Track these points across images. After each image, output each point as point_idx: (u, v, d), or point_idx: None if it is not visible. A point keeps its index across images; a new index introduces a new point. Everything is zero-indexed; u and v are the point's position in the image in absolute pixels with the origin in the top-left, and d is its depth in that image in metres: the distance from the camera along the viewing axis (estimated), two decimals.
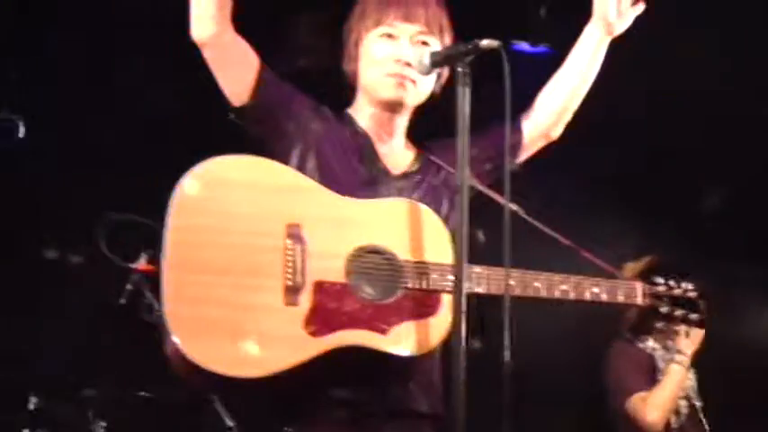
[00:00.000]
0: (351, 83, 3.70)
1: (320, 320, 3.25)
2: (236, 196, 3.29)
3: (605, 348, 5.92)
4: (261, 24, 6.40)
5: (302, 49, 6.36)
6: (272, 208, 3.30)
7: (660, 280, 3.58)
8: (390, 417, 3.43)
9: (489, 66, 3.20)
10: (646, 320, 5.41)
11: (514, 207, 3.51)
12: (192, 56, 3.51)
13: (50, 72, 6.52)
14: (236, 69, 3.46)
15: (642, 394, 5.64)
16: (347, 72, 3.69)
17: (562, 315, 4.87)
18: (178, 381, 3.26)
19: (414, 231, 3.40)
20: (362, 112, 3.69)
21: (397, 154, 3.67)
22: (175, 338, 3.14)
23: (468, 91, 3.14)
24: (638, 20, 3.83)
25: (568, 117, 3.84)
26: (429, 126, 3.73)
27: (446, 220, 3.50)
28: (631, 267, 5.57)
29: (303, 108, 3.58)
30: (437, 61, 3.30)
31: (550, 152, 3.94)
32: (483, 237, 7.39)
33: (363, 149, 3.61)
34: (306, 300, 3.25)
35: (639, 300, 3.54)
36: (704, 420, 5.79)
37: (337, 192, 3.42)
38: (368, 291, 3.34)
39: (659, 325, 5.48)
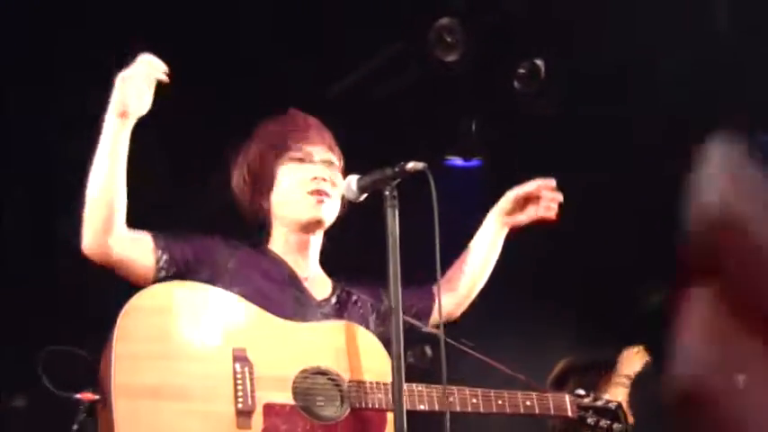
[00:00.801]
0: (263, 219, 3.78)
1: None
2: (180, 322, 3.31)
3: None
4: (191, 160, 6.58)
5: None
6: (216, 332, 3.33)
7: (582, 392, 3.76)
8: None
9: (419, 182, 3.25)
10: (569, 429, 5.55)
11: (431, 330, 3.79)
12: None
13: None
14: (134, 265, 3.49)
15: None
16: (259, 208, 3.77)
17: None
18: None
19: (354, 352, 3.47)
20: (278, 243, 3.76)
21: (316, 281, 3.75)
22: None
23: (396, 213, 3.19)
24: None
25: (470, 300, 4.04)
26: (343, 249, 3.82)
27: None
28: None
29: (213, 253, 3.60)
30: (365, 186, 3.35)
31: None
32: (430, 351, 7.43)
33: (287, 276, 3.68)
34: (257, 422, 3.28)
35: (569, 412, 3.72)
36: None
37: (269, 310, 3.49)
38: (316, 412, 3.37)
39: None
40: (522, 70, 6.80)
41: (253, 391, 3.29)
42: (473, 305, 4.16)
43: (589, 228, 7.47)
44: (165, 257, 3.50)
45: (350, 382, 3.42)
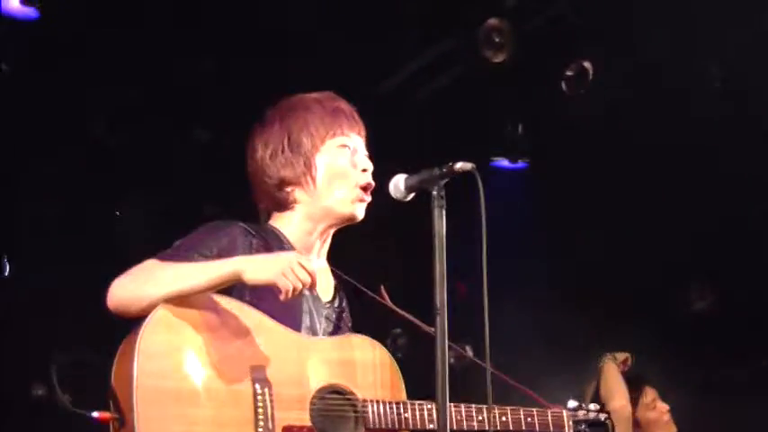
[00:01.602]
0: (281, 197, 3.51)
1: None
2: (199, 337, 3.21)
3: None
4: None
5: None
6: (235, 350, 3.25)
7: (575, 404, 3.79)
8: None
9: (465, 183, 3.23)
10: None
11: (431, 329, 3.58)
12: None
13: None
14: None
15: None
16: (283, 184, 3.49)
17: None
18: None
19: (367, 368, 3.42)
20: (295, 227, 3.52)
21: (322, 277, 3.52)
22: None
23: (443, 213, 3.14)
24: None
25: None
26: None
27: None
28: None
29: (234, 249, 3.33)
30: (412, 185, 3.25)
31: None
32: (471, 351, 7.41)
33: None
34: None
35: (566, 428, 3.72)
36: None
37: (283, 320, 3.35)
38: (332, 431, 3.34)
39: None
40: (569, 72, 6.77)
41: (273, 415, 3.22)
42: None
43: (636, 228, 7.45)
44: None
45: (364, 401, 3.36)
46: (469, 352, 7.26)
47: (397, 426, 3.38)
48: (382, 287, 3.69)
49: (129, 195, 6.75)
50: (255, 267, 3.18)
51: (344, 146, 3.52)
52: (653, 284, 7.50)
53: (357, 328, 3.61)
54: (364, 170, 3.52)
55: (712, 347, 7.38)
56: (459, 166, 3.15)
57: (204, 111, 6.71)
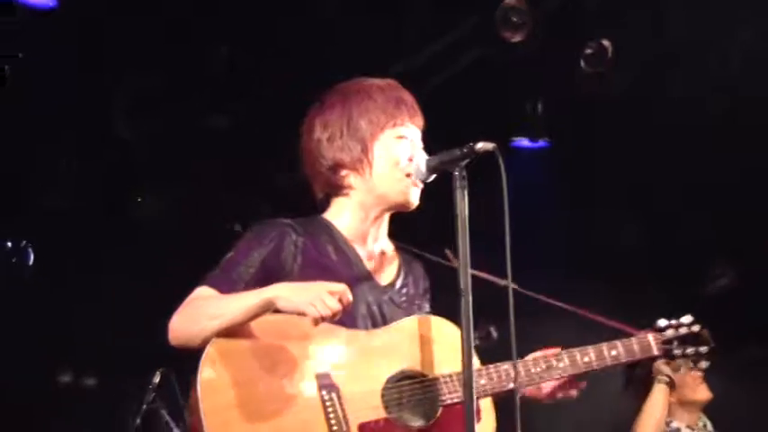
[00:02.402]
0: (335, 182, 3.51)
1: None
2: (260, 361, 3.24)
3: None
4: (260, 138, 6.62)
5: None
6: (296, 362, 3.27)
7: (664, 323, 3.64)
8: None
9: (486, 163, 3.22)
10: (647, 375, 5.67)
11: (513, 285, 3.51)
12: None
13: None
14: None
15: None
16: (337, 168, 3.49)
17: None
18: None
19: (434, 346, 3.39)
20: (348, 216, 3.53)
21: (383, 259, 3.56)
22: None
23: (465, 194, 3.13)
24: None
25: None
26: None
27: None
28: None
29: (279, 257, 3.37)
30: (434, 166, 3.28)
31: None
32: (495, 332, 7.44)
33: (352, 264, 3.49)
34: None
35: (655, 351, 3.59)
36: None
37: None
38: (410, 418, 3.33)
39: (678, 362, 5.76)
40: (589, 51, 6.74)
41: (345, 415, 3.23)
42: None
43: (657, 205, 7.44)
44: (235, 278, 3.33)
45: (435, 379, 3.34)
46: (494, 333, 7.32)
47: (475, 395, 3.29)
48: (447, 251, 3.64)
49: (149, 183, 6.78)
50: (287, 296, 3.21)
51: (403, 137, 3.50)
52: (674, 262, 7.48)
53: (445, 301, 3.54)
54: (411, 160, 3.47)
55: (734, 326, 7.36)
56: (480, 146, 3.15)
57: (221, 98, 6.73)
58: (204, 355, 3.20)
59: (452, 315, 3.24)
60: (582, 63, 6.73)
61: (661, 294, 7.22)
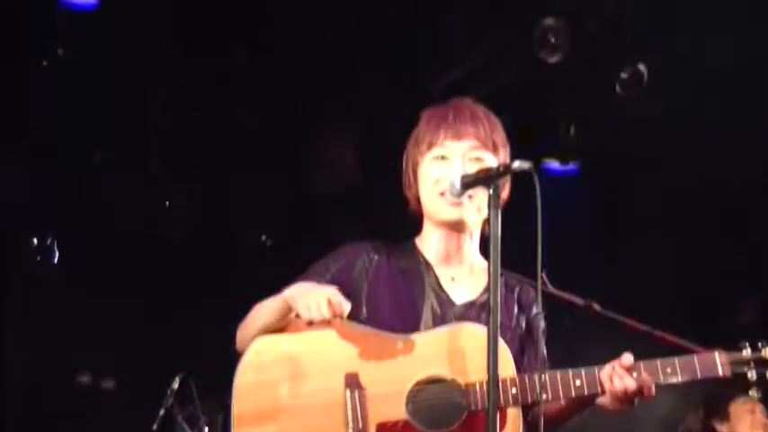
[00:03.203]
0: (415, 209, 3.62)
1: None
2: (288, 366, 3.40)
3: None
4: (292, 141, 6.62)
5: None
6: (329, 360, 3.39)
7: (745, 345, 3.39)
8: None
9: (520, 183, 3.20)
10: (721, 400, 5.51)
11: (593, 304, 3.75)
12: None
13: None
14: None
15: None
16: (409, 198, 3.61)
17: None
18: None
19: (468, 354, 3.38)
20: (429, 238, 3.59)
21: (468, 279, 3.57)
22: None
23: (499, 213, 3.11)
24: None
25: None
26: None
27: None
28: None
29: (350, 273, 3.52)
30: (468, 183, 3.27)
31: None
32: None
33: (425, 282, 3.54)
34: None
35: (720, 371, 3.38)
36: None
37: (400, 329, 3.42)
38: (431, 422, 3.34)
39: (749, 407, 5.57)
40: (624, 75, 6.71)
41: (365, 415, 3.31)
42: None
43: (679, 234, 7.38)
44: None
45: (466, 385, 3.34)
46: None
47: (503, 403, 3.30)
48: (544, 274, 3.53)
49: (183, 178, 6.80)
50: (294, 296, 3.38)
51: (441, 157, 3.52)
52: (706, 292, 7.42)
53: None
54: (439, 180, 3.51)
55: None
56: (516, 164, 3.15)
57: (253, 95, 6.73)
58: (240, 363, 3.41)
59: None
60: (617, 87, 6.70)
61: (688, 323, 7.15)
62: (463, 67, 6.81)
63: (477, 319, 3.48)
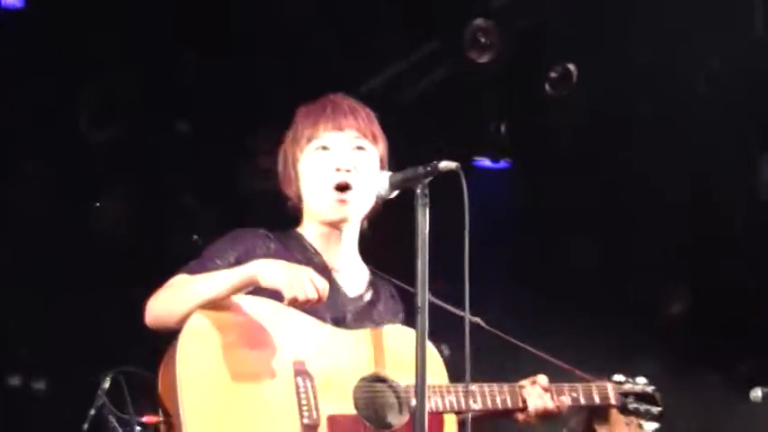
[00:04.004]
0: (294, 204, 3.61)
1: None
2: (239, 339, 3.29)
3: None
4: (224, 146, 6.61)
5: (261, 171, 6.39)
6: (275, 347, 3.31)
7: (622, 378, 3.78)
8: None
9: (448, 182, 3.23)
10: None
11: (476, 319, 3.66)
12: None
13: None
14: None
15: None
16: (289, 195, 3.61)
17: None
18: None
19: (407, 356, 3.37)
20: (310, 231, 3.61)
21: (350, 273, 3.63)
22: None
23: (426, 211, 3.15)
24: None
25: None
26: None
27: None
28: None
29: (252, 254, 3.45)
30: (396, 183, 3.28)
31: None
32: (448, 350, 7.41)
33: (320, 271, 3.49)
34: None
35: (612, 399, 3.72)
36: None
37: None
38: (378, 420, 3.37)
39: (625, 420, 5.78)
40: (554, 74, 6.79)
41: (317, 405, 3.29)
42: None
43: (612, 230, 7.48)
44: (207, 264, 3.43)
45: (407, 387, 3.39)
46: (446, 351, 7.31)
47: (441, 408, 3.41)
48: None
49: (112, 189, 6.74)
50: (271, 272, 3.27)
51: (320, 147, 3.56)
52: (631, 287, 7.52)
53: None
54: (338, 169, 3.53)
55: (689, 351, 7.41)
56: (443, 164, 3.19)
57: (187, 104, 6.71)
58: (185, 328, 3.25)
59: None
60: (547, 86, 6.78)
61: (615, 318, 7.26)
62: (394, 66, 6.84)
63: (367, 314, 3.56)
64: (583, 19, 6.61)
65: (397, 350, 3.45)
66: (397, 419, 3.38)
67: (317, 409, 3.28)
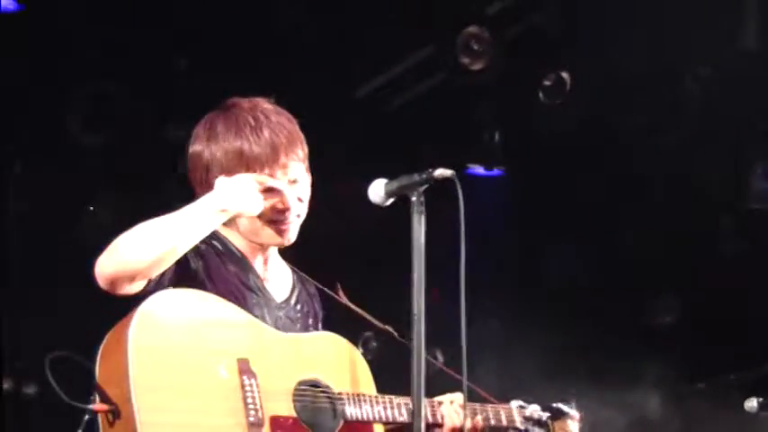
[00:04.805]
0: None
1: None
2: (187, 333, 3.28)
3: None
4: None
5: None
6: (219, 341, 3.31)
7: (519, 403, 3.90)
8: None
9: (442, 189, 3.24)
10: None
11: (389, 328, 3.75)
12: None
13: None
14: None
15: None
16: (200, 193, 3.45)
17: None
18: None
19: (342, 364, 3.50)
20: (235, 238, 3.53)
21: (276, 279, 3.60)
22: None
23: (423, 219, 3.16)
24: None
25: None
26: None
27: None
28: None
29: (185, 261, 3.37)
30: (391, 191, 3.27)
31: None
32: (441, 357, 7.45)
33: (249, 280, 3.52)
34: None
35: (518, 423, 3.82)
36: None
37: None
38: (314, 424, 3.40)
39: None
40: (547, 82, 6.80)
41: (261, 405, 3.29)
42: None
43: (607, 239, 7.49)
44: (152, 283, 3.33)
45: (340, 393, 3.44)
46: (440, 357, 7.32)
47: (371, 418, 3.46)
48: (338, 285, 3.74)
49: (102, 194, 6.74)
50: (233, 203, 3.31)
51: (285, 179, 3.47)
52: (621, 295, 7.54)
53: (331, 329, 3.64)
54: (286, 210, 3.46)
55: (677, 360, 7.42)
56: (438, 172, 3.20)
57: (178, 109, 6.71)
58: (135, 315, 3.19)
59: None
60: (540, 94, 6.80)
61: (604, 327, 7.27)
62: (388, 73, 6.86)
63: (294, 318, 3.58)
64: (576, 26, 6.62)
65: (329, 356, 3.50)
66: (332, 425, 3.42)
67: (261, 409, 3.29)
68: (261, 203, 3.40)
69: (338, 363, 3.49)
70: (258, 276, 3.55)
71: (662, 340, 7.58)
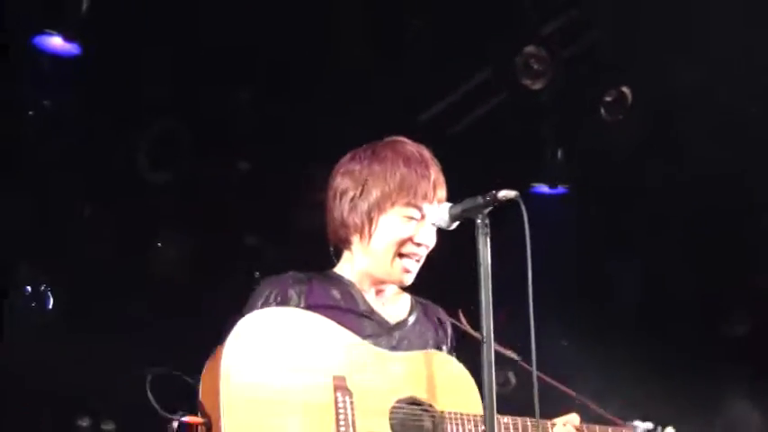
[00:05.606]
0: (336, 245, 3.63)
1: None
2: (283, 349, 3.33)
3: None
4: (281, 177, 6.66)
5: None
6: (317, 360, 3.35)
7: (650, 426, 3.77)
8: None
9: (507, 209, 3.23)
10: None
11: (515, 356, 3.70)
12: None
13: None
14: None
15: None
16: (338, 237, 3.60)
17: None
18: None
19: (445, 382, 3.46)
20: (350, 272, 3.61)
21: (391, 300, 3.65)
22: None
23: (488, 241, 3.16)
24: None
25: None
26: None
27: None
28: None
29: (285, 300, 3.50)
30: (456, 215, 3.29)
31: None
32: (514, 378, 7.42)
33: (358, 306, 3.56)
34: None
35: None
36: None
37: None
38: None
39: None
40: (608, 98, 6.78)
41: (354, 422, 3.30)
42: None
43: (671, 255, 7.42)
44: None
45: (442, 412, 3.41)
46: (512, 378, 7.29)
47: None
48: (460, 311, 3.72)
49: (171, 229, 6.82)
50: None
51: (412, 218, 3.55)
52: (689, 314, 7.47)
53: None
54: (418, 244, 3.55)
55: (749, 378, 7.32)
56: (502, 194, 3.20)
57: (244, 143, 6.78)
58: (232, 334, 3.28)
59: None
60: (602, 110, 6.77)
61: (677, 339, 7.20)
62: (449, 97, 6.88)
63: (410, 338, 3.58)
64: (635, 41, 6.60)
65: (436, 375, 3.47)
66: None
67: (353, 426, 3.30)
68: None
69: (444, 381, 3.45)
70: (369, 302, 3.58)
71: (737, 352, 7.49)
